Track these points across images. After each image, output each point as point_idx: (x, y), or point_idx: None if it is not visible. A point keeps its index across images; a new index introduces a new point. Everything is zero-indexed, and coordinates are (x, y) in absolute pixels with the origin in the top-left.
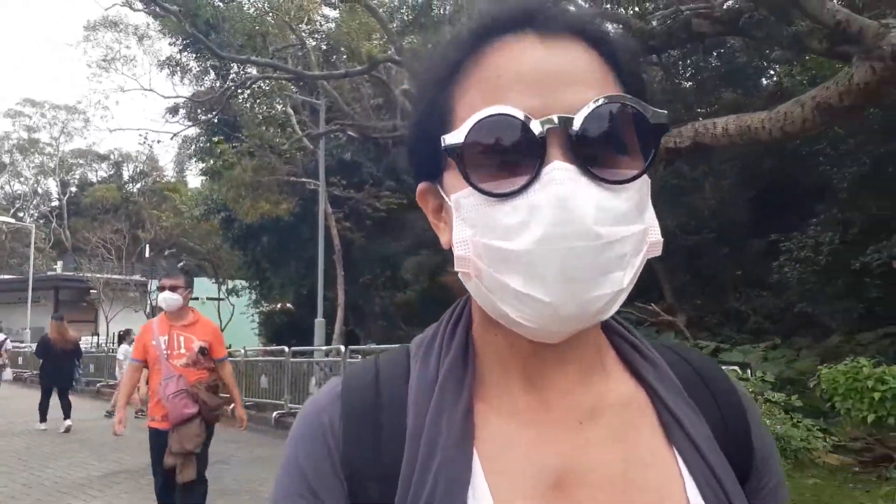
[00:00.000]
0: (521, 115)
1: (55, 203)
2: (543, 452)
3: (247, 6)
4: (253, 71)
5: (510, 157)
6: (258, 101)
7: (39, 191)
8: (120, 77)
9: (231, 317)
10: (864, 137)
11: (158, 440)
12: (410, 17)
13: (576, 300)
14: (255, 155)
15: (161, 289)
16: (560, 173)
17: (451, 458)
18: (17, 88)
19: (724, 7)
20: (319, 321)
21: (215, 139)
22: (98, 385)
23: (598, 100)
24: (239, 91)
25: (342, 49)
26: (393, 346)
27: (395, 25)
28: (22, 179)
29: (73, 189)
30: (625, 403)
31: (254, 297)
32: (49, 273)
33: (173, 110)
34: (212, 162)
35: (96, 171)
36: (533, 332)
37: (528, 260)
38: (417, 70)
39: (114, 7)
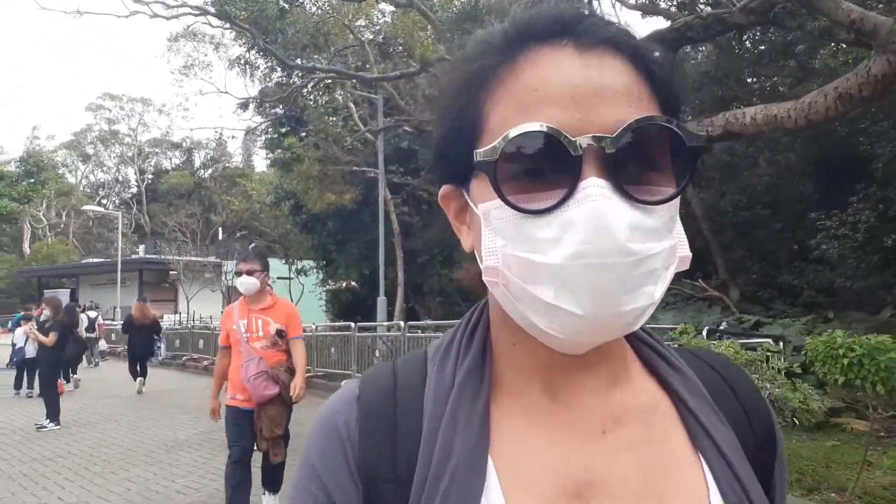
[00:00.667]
0: (558, 132)
1: (133, 190)
2: (563, 461)
3: (309, 6)
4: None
5: (544, 173)
6: (322, 94)
7: (120, 178)
8: (198, 81)
9: (301, 295)
10: (887, 125)
11: (237, 417)
12: (461, 12)
13: (608, 314)
14: (319, 147)
15: (238, 273)
16: (595, 190)
17: (465, 466)
18: (97, 83)
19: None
20: (381, 299)
21: (283, 130)
22: (183, 358)
23: (636, 120)
24: (304, 88)
25: (399, 43)
26: (452, 321)
27: (444, 22)
28: (105, 169)
29: (150, 176)
30: (649, 411)
31: (321, 276)
32: (133, 256)
33: (244, 105)
34: (279, 153)
35: (170, 158)
36: (560, 342)
37: (562, 274)
38: (447, 72)
39: (195, 23)
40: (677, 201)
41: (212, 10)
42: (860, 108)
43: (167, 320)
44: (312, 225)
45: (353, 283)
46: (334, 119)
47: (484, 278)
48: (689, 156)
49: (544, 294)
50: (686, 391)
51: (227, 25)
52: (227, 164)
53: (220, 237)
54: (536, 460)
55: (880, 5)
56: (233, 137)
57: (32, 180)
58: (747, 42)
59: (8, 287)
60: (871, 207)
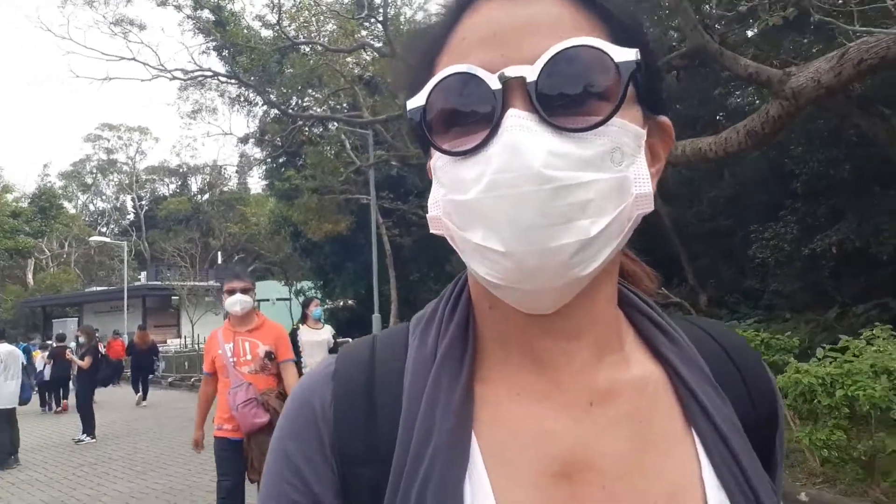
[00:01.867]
0: (476, 70)
1: (131, 217)
2: (549, 436)
3: (307, 53)
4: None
5: (472, 114)
6: (317, 127)
7: (118, 206)
8: (205, 125)
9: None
10: (811, 146)
11: (226, 448)
12: None
13: (534, 250)
14: (316, 178)
15: (231, 292)
16: (514, 121)
17: (447, 442)
18: (94, 113)
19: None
20: (376, 316)
21: (281, 161)
22: (192, 379)
23: (557, 46)
24: (302, 126)
25: (385, 81)
26: None
27: None
28: (103, 197)
29: (146, 203)
30: (642, 383)
31: (319, 296)
32: (136, 283)
33: (244, 140)
34: (279, 184)
35: (168, 184)
36: (512, 295)
37: (481, 210)
38: (407, 50)
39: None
40: (636, 135)
41: (222, 71)
42: (766, 142)
43: (170, 344)
44: (311, 249)
45: (350, 302)
46: (328, 150)
47: (431, 230)
48: (623, 76)
49: (474, 236)
50: (682, 364)
51: (235, 81)
52: (223, 189)
53: (220, 261)
54: (520, 436)
55: (775, 60)
56: (237, 173)
57: (43, 216)
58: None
59: (13, 318)
60: (797, 220)
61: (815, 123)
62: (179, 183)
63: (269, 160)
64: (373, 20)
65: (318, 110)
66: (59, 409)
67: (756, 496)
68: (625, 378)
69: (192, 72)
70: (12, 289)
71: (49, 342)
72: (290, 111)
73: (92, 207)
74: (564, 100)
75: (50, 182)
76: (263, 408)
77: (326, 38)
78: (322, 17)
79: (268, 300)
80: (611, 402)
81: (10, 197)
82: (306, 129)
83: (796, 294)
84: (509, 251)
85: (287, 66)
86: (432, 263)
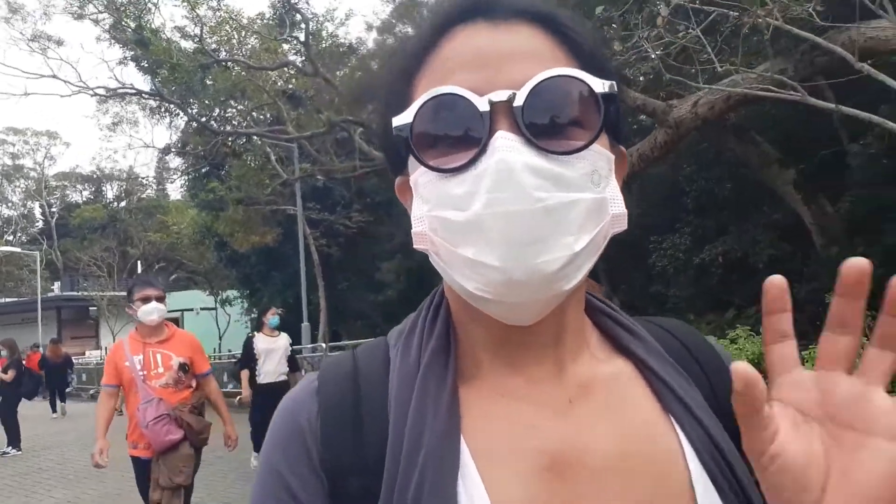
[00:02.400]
0: (465, 92)
1: (40, 225)
2: (535, 435)
3: (229, 67)
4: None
5: (458, 133)
6: (240, 140)
7: (25, 214)
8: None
9: (228, 325)
10: (699, 167)
11: (143, 470)
12: (360, 83)
13: (524, 264)
14: (241, 189)
15: (145, 300)
16: (503, 142)
17: (438, 448)
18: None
19: None
20: (305, 325)
21: (204, 171)
22: None
23: (541, 74)
24: (226, 139)
25: (309, 95)
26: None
27: (344, 87)
28: (9, 205)
29: (55, 210)
30: (614, 377)
31: (246, 305)
32: (50, 294)
33: (166, 150)
34: (203, 195)
35: (80, 192)
36: (498, 308)
37: (477, 226)
38: (384, 66)
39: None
40: (609, 158)
41: (144, 87)
42: (656, 163)
43: (89, 356)
44: (237, 259)
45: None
46: (253, 162)
47: (415, 245)
48: (602, 105)
49: (466, 251)
50: (649, 356)
51: (157, 98)
52: (140, 196)
53: (139, 270)
54: (507, 436)
55: (661, 93)
56: (163, 186)
57: None
58: None
59: None
60: (690, 232)
61: (701, 147)
62: (93, 190)
63: (191, 171)
64: (294, 37)
65: (242, 123)
66: None
67: (735, 477)
68: (598, 374)
69: (114, 89)
70: None
71: None
72: (213, 123)
73: None
74: (548, 124)
75: None
76: (176, 423)
77: (249, 53)
78: (244, 32)
79: (191, 310)
80: (588, 398)
81: None
82: (230, 141)
83: (694, 298)
84: (502, 265)
85: (209, 79)
86: (360, 272)
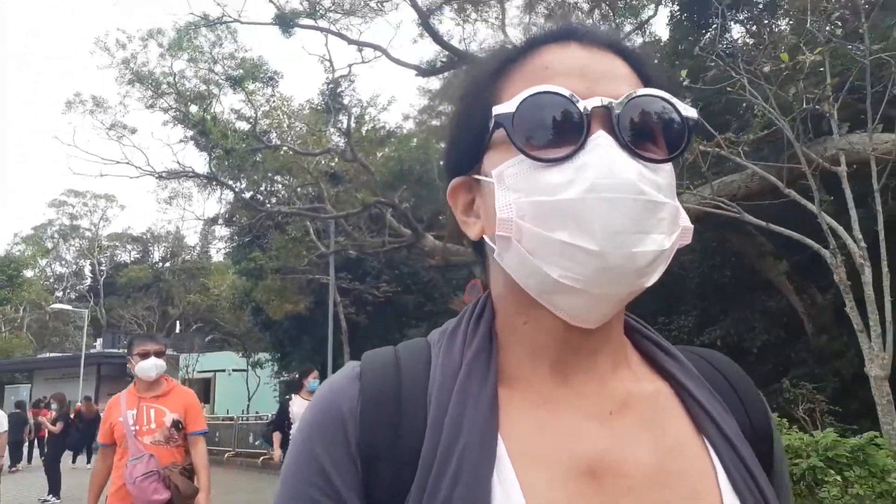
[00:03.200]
0: (568, 93)
1: (88, 282)
2: (573, 441)
3: (282, 149)
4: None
5: (557, 130)
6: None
7: (77, 272)
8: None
9: (258, 386)
10: (703, 255)
11: None
12: (393, 171)
13: (622, 251)
14: (280, 258)
15: (144, 355)
16: (605, 140)
17: (475, 444)
18: (60, 179)
19: None
20: None
21: (246, 244)
22: None
23: (639, 90)
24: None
25: (347, 178)
26: None
27: (381, 174)
28: (63, 263)
29: (104, 269)
30: (653, 395)
31: (276, 368)
32: (92, 350)
33: (213, 221)
34: (244, 263)
35: (129, 252)
36: (575, 302)
37: (577, 210)
38: (466, 71)
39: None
40: (675, 177)
41: (201, 166)
42: None
43: None
44: (270, 324)
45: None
46: (293, 233)
47: (497, 233)
48: (683, 127)
49: (560, 234)
50: (686, 378)
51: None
52: (185, 258)
53: (178, 329)
54: (546, 440)
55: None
56: (197, 241)
57: (10, 285)
58: None
59: None
60: (695, 315)
61: (703, 236)
62: (141, 250)
63: (235, 239)
64: (338, 122)
65: (286, 198)
66: (14, 469)
67: (766, 500)
68: (637, 391)
69: (175, 172)
70: None
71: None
72: (259, 197)
73: (49, 272)
74: (637, 134)
75: (19, 250)
76: (164, 483)
77: (296, 137)
78: (292, 118)
79: (224, 370)
80: (627, 412)
81: None
82: (275, 216)
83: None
84: (601, 250)
85: (258, 158)
86: (386, 339)
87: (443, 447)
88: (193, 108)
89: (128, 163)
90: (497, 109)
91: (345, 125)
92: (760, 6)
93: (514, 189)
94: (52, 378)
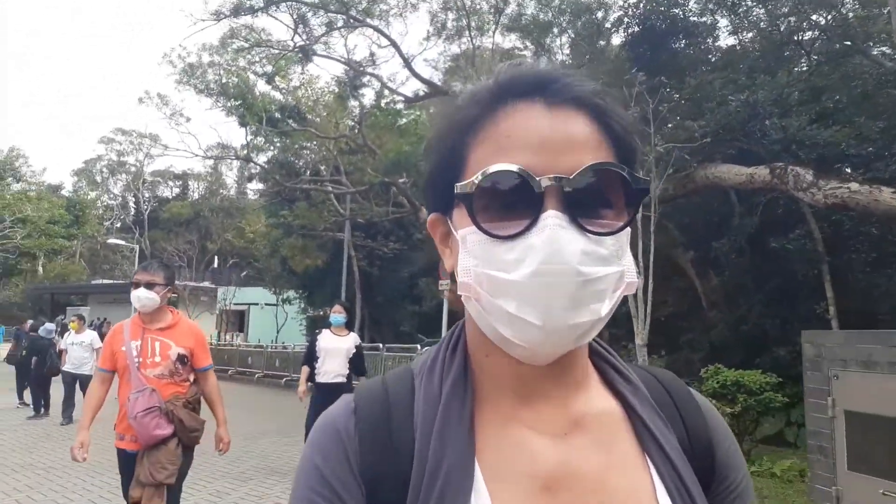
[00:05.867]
0: (525, 172)
1: (132, 214)
2: (535, 460)
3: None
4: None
5: (512, 205)
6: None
7: (123, 205)
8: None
9: (286, 320)
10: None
11: (128, 464)
12: (392, 160)
13: (560, 326)
14: (304, 218)
15: (135, 285)
16: (553, 220)
17: (456, 468)
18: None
19: None
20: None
21: (278, 204)
22: None
23: (590, 165)
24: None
25: (357, 156)
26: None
27: (384, 161)
28: (111, 195)
29: (147, 204)
30: (604, 416)
31: (303, 305)
32: None
33: (249, 178)
34: (275, 219)
35: (171, 188)
36: (523, 352)
37: (523, 289)
38: (440, 116)
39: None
40: (627, 234)
41: (246, 158)
42: None
43: None
44: (295, 271)
45: (328, 312)
46: (315, 203)
47: (459, 292)
48: (635, 196)
49: (508, 306)
50: (636, 400)
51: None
52: (222, 196)
53: (216, 264)
54: (512, 459)
55: None
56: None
57: (76, 223)
58: None
59: (21, 302)
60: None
61: None
62: (181, 185)
63: (269, 195)
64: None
65: (311, 161)
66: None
67: None
68: (591, 412)
69: (220, 156)
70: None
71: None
72: (292, 158)
73: (99, 204)
74: (589, 206)
75: (79, 186)
76: (167, 418)
77: (321, 111)
78: (316, 98)
79: (257, 304)
80: (581, 432)
81: (46, 204)
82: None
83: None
84: (542, 324)
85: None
86: (396, 287)
87: (429, 470)
88: (235, 102)
89: (188, 150)
90: (458, 187)
91: (356, 122)
92: None
93: (473, 255)
94: (104, 302)
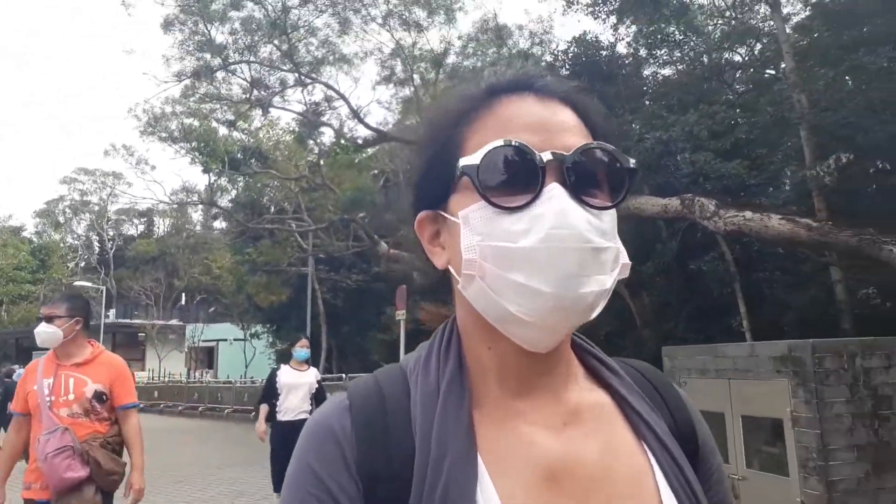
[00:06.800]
0: (526, 147)
1: (97, 255)
2: (536, 451)
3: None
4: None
5: (516, 179)
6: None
7: (88, 245)
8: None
9: (254, 356)
10: None
11: None
12: (352, 198)
13: (570, 293)
14: (267, 255)
15: (38, 320)
16: (558, 191)
17: (459, 463)
18: (71, 156)
19: None
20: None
21: (243, 243)
22: (161, 405)
23: (587, 143)
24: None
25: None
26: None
27: (343, 199)
28: (74, 236)
29: (112, 243)
30: (598, 407)
31: (271, 339)
32: (106, 321)
33: (214, 216)
34: (240, 257)
35: (136, 225)
36: (528, 332)
37: (532, 256)
38: (431, 114)
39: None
40: (616, 218)
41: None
42: None
43: (139, 376)
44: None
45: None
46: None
47: (463, 271)
48: (625, 175)
49: (517, 276)
50: (625, 390)
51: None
52: (189, 233)
53: (183, 301)
54: (514, 452)
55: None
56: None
57: (43, 267)
58: None
59: None
60: None
61: None
62: (146, 222)
63: (235, 235)
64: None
65: (274, 199)
66: None
67: (694, 494)
68: (585, 403)
69: (187, 202)
70: None
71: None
72: (254, 196)
73: (62, 245)
74: (585, 182)
75: (44, 231)
76: (81, 459)
77: (281, 153)
78: (276, 141)
79: (225, 339)
80: (578, 422)
81: (11, 250)
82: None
83: None
84: (553, 292)
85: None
86: (359, 318)
87: (432, 464)
88: (198, 145)
89: (155, 198)
90: (463, 161)
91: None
92: None
93: (477, 231)
94: None
